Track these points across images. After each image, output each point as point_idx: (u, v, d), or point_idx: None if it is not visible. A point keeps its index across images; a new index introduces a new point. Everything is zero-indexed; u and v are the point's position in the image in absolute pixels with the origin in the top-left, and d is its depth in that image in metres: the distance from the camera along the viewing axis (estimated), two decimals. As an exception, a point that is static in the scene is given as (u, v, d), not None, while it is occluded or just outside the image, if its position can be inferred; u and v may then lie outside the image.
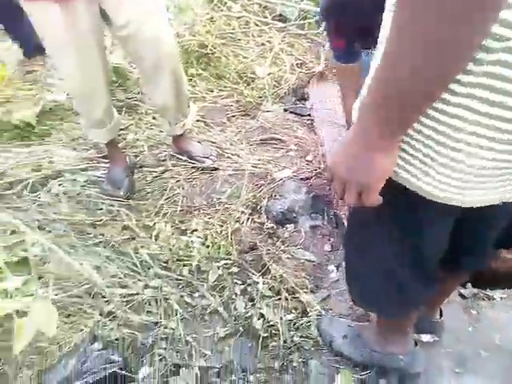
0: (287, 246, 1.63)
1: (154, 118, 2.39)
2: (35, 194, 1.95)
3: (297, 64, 2.51)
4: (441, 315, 1.34)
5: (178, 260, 1.62)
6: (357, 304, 1.19)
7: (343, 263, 1.59)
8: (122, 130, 2.19)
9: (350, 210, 0.94)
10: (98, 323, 1.42)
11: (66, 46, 1.47)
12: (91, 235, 1.74)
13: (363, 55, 1.60)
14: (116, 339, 1.39)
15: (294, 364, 1.33)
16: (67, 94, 2.35)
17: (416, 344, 1.24)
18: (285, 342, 1.37)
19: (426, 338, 1.34)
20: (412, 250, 0.81)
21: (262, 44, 2.58)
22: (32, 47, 2.65)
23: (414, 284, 0.88)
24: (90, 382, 1.24)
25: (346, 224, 1.60)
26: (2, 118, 2.26)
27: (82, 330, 1.39)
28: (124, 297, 1.50)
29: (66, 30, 1.42)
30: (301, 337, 1.38)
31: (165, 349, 1.37)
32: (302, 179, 1.92)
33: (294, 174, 1.95)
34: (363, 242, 0.89)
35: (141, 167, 2.12)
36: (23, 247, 1.37)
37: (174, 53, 1.69)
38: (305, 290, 1.48)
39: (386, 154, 0.60)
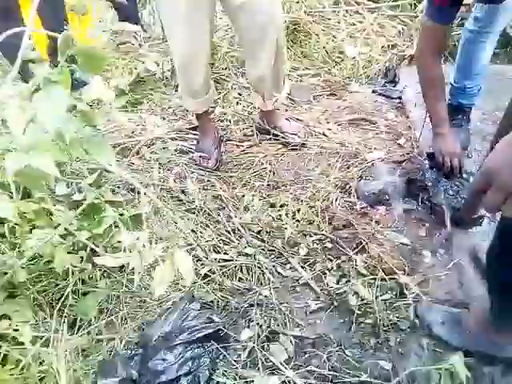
0: (381, 227, 1.61)
1: (239, 94, 2.42)
2: (128, 159, 2.05)
3: (388, 46, 2.44)
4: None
5: (268, 232, 1.64)
6: None
7: (439, 250, 1.56)
8: (210, 103, 2.24)
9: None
10: (195, 285, 1.47)
11: (183, 15, 1.52)
12: (183, 201, 1.80)
13: None
14: (211, 301, 1.44)
15: (390, 343, 1.31)
16: (171, 64, 2.39)
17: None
18: (380, 320, 1.35)
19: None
20: None
21: (353, 24, 2.52)
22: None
23: None
24: (193, 338, 1.29)
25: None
26: (99, 86, 2.37)
27: (180, 289, 1.45)
28: (218, 261, 1.54)
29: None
30: (397, 317, 1.36)
31: (260, 315, 1.41)
32: (393, 162, 1.87)
33: (386, 156, 1.90)
34: None
35: (227, 141, 2.15)
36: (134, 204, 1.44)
37: (281, 25, 1.70)
38: (401, 272, 1.45)
39: None
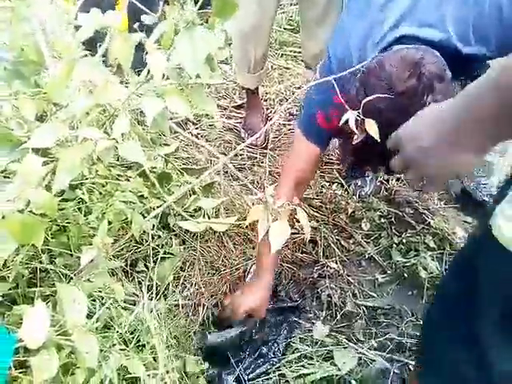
0: (443, 204, 1.62)
1: (280, 75, 2.41)
2: (175, 135, 2.03)
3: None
4: None
5: (329, 208, 1.64)
6: None
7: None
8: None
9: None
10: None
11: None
12: (239, 178, 1.79)
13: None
14: (279, 272, 1.44)
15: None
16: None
17: None
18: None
19: None
20: None
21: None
22: None
23: None
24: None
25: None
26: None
27: (249, 258, 1.45)
28: (283, 234, 1.54)
29: None
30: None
31: (327, 286, 1.41)
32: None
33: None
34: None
35: (270, 119, 2.15)
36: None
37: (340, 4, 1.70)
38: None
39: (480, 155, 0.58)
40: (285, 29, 2.61)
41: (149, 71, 0.64)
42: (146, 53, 0.75)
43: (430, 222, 1.52)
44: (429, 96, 0.82)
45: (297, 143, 1.22)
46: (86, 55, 0.71)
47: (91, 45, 0.92)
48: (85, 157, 0.67)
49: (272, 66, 2.43)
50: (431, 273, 1.42)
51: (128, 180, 1.34)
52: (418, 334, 1.28)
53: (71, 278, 1.02)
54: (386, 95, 0.81)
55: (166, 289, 1.29)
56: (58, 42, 0.72)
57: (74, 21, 0.71)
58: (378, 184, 1.73)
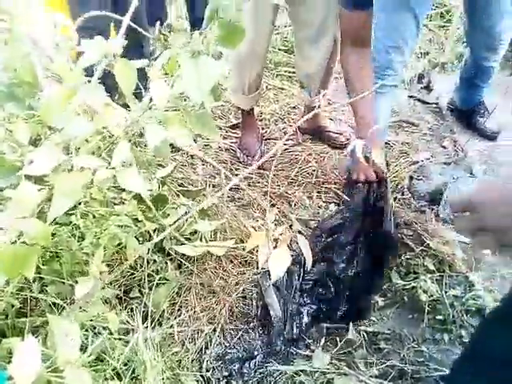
0: (440, 225, 1.61)
1: (275, 95, 2.42)
2: (172, 155, 2.00)
3: (421, 53, 2.48)
4: None
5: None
6: None
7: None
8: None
9: None
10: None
11: (250, 10, 1.52)
12: (235, 198, 1.77)
13: None
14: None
15: (464, 339, 1.30)
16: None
17: None
18: (452, 316, 1.35)
19: None
20: None
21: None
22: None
23: None
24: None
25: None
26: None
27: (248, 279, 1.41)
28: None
29: None
30: (467, 312, 1.35)
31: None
32: (442, 163, 1.89)
33: (433, 157, 1.92)
34: None
35: (267, 139, 2.14)
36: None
37: (336, 25, 1.71)
38: (467, 269, 1.45)
39: None
40: (279, 49, 2.63)
41: (151, 98, 0.62)
42: (147, 79, 0.74)
43: (428, 244, 1.50)
44: None
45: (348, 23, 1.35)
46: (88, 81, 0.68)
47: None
48: (83, 185, 0.64)
49: (267, 86, 2.44)
50: (431, 296, 1.39)
51: (123, 203, 1.31)
52: (419, 360, 1.26)
53: (63, 308, 0.98)
54: None
55: (161, 316, 1.25)
56: (60, 67, 0.70)
57: (75, 46, 0.69)
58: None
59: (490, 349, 0.76)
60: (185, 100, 0.74)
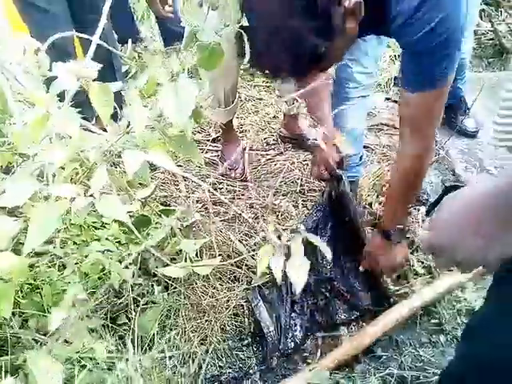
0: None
1: (253, 105, 2.40)
2: (153, 173, 1.96)
3: (395, 56, 2.51)
4: None
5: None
6: None
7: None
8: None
9: None
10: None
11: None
12: (220, 212, 1.74)
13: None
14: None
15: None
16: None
17: None
18: (445, 320, 1.34)
19: None
20: None
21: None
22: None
23: None
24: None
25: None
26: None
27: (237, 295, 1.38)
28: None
29: None
30: (461, 313, 1.35)
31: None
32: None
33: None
34: None
35: (249, 150, 2.12)
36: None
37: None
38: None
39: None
40: (254, 60, 2.63)
41: (129, 122, 0.60)
42: (122, 99, 0.71)
43: (418, 247, 1.50)
44: None
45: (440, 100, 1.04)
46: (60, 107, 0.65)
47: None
48: (59, 215, 0.61)
49: (245, 98, 2.43)
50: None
51: (104, 227, 1.26)
52: (417, 365, 1.24)
53: (46, 342, 0.93)
54: None
55: (151, 340, 1.21)
56: (31, 93, 0.66)
57: (47, 72, 0.66)
58: (362, 209, 1.72)
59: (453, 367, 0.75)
60: (164, 120, 0.72)
